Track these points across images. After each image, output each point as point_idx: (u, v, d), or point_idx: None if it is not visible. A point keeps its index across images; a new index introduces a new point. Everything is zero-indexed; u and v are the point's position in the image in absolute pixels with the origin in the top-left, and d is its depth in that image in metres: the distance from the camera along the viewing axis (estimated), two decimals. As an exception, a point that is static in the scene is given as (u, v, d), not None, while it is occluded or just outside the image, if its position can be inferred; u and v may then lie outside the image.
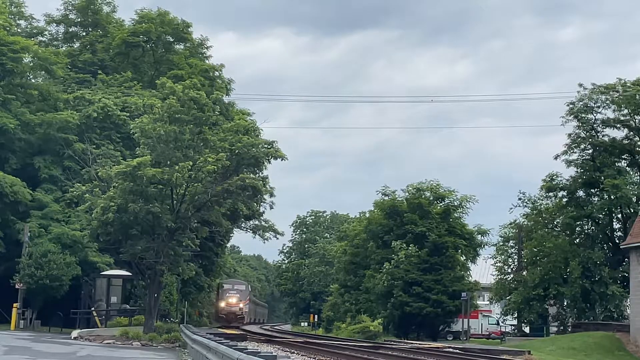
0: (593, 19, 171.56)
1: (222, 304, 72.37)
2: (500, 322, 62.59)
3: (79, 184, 42.39)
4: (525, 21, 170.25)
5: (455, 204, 59.91)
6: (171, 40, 67.75)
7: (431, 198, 60.21)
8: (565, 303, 54.95)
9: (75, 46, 69.01)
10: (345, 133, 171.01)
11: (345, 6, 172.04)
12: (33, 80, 59.74)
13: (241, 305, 72.50)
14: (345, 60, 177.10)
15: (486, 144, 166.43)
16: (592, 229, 55.69)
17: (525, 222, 58.75)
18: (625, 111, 52.88)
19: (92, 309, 48.19)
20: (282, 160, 41.12)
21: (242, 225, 56.02)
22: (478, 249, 61.06)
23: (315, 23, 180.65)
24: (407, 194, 60.72)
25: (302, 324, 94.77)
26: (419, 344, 39.73)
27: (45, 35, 69.29)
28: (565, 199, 55.65)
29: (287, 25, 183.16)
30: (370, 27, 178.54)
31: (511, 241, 60.63)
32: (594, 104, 53.40)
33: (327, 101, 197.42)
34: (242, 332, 44.11)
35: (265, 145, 40.41)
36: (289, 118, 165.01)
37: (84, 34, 69.40)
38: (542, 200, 57.89)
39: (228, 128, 39.98)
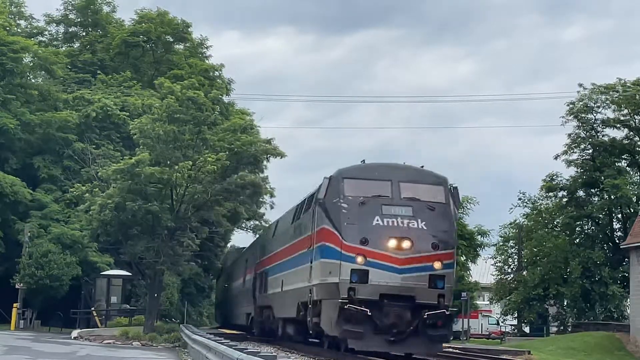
0: (598, 18, 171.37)
1: (358, 260, 20.68)
2: (500, 322, 62.56)
3: (78, 184, 42.38)
4: (530, 20, 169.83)
5: (455, 203, 59.80)
6: (171, 40, 67.66)
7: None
8: (565, 303, 54.95)
9: (75, 46, 68.95)
10: (348, 133, 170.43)
11: (349, 5, 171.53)
12: (33, 80, 59.66)
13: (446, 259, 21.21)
14: (349, 59, 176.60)
15: (489, 143, 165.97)
16: (592, 229, 55.67)
17: (525, 222, 58.74)
18: (625, 111, 52.84)
19: (92, 309, 48.19)
20: (281, 158, 41.11)
21: (243, 225, 56.07)
22: (478, 249, 61.04)
23: (319, 22, 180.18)
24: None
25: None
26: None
27: (45, 35, 69.25)
28: (565, 199, 55.64)
29: (290, 24, 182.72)
30: (374, 26, 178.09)
31: (511, 241, 60.60)
32: (594, 104, 53.38)
33: (330, 101, 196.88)
34: (241, 332, 44.04)
35: (264, 144, 40.38)
36: (291, 117, 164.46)
37: (84, 34, 69.35)
38: (542, 200, 57.91)
39: (225, 127, 39.91)
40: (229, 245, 64.05)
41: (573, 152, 54.13)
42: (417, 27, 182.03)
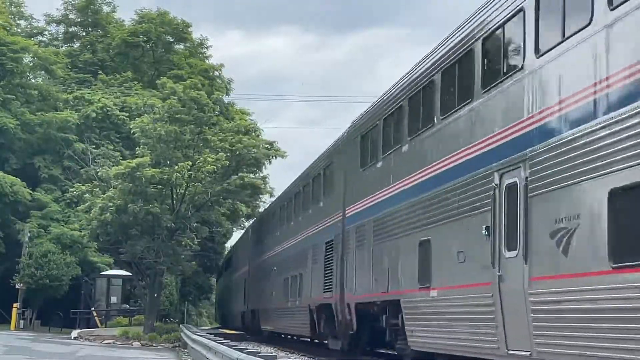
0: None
1: None
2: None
3: (78, 184, 42.39)
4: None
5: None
6: (171, 40, 67.80)
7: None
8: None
9: (75, 46, 69.03)
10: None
11: (352, 4, 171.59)
12: (33, 80, 59.70)
13: None
14: (352, 58, 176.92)
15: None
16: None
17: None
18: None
19: (92, 309, 48.18)
20: (282, 158, 41.27)
21: (243, 225, 56.04)
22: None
23: (322, 21, 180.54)
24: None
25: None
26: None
27: (45, 35, 69.36)
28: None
29: (294, 23, 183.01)
30: (377, 25, 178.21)
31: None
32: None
33: (332, 101, 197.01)
34: (242, 332, 44.09)
35: (266, 146, 40.41)
36: (293, 117, 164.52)
37: (84, 34, 69.43)
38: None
39: (228, 128, 39.97)
40: (229, 245, 64.07)
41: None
42: (420, 26, 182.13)
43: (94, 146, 51.20)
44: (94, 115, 54.49)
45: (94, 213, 36.97)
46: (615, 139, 9.36)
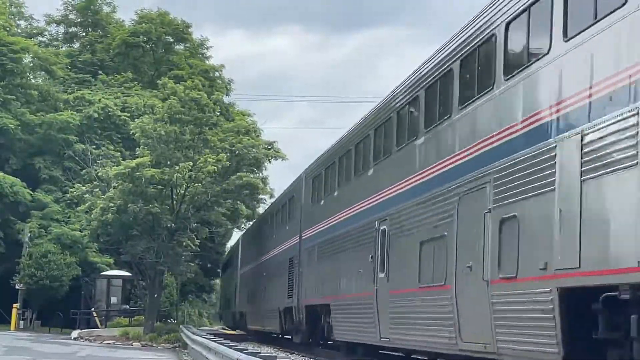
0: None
1: None
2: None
3: (79, 185, 42.38)
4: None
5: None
6: (171, 40, 67.80)
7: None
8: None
9: (75, 46, 69.05)
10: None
11: (355, 3, 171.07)
12: (33, 81, 59.70)
13: None
14: (354, 58, 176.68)
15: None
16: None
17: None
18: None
19: (92, 309, 48.16)
20: (282, 160, 41.41)
21: (243, 226, 56.07)
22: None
23: (324, 20, 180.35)
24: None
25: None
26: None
27: (45, 35, 69.37)
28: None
29: (296, 23, 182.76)
30: (380, 25, 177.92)
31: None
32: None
33: (335, 101, 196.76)
34: (242, 332, 44.13)
35: (266, 146, 40.45)
36: (296, 117, 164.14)
37: (84, 34, 69.45)
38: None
39: (228, 128, 39.97)
40: (229, 245, 63.99)
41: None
42: (423, 26, 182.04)
43: (94, 147, 51.17)
44: (95, 115, 54.49)
45: (95, 214, 36.98)
46: (420, 211, 15.47)
